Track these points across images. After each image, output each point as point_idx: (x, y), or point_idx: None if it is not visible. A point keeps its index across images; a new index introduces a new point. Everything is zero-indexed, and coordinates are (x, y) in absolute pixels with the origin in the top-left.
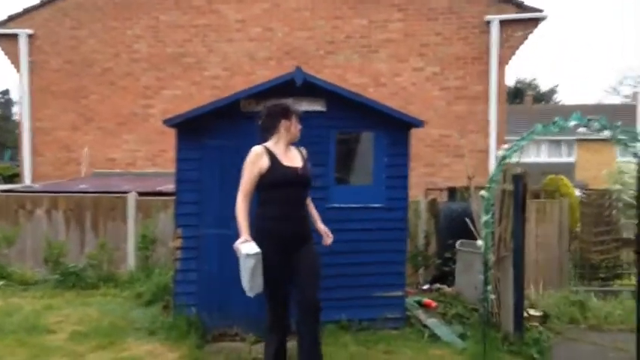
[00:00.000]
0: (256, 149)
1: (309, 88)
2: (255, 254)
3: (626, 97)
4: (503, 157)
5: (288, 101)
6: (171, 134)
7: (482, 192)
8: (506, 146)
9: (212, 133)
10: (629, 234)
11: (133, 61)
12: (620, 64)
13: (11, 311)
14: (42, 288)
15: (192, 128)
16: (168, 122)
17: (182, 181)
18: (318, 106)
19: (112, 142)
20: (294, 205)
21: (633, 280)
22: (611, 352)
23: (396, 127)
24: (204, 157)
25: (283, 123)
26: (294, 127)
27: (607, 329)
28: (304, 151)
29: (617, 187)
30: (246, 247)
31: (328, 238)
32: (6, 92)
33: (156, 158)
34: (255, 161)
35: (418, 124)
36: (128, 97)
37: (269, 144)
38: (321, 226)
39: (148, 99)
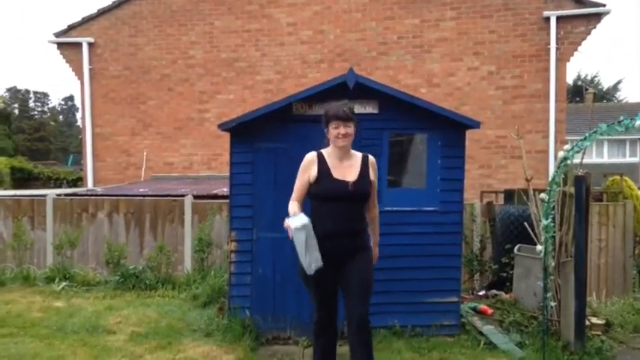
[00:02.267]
0: (308, 156)
1: (362, 89)
2: (304, 226)
3: None
4: (565, 158)
5: (331, 105)
6: (225, 138)
7: (542, 195)
8: (567, 147)
9: (264, 137)
10: None
11: (189, 67)
12: None
13: (73, 312)
14: (103, 289)
15: (245, 132)
16: (223, 126)
17: (236, 184)
18: (370, 108)
19: (170, 147)
20: (343, 220)
21: None
22: None
23: (450, 128)
24: (256, 160)
25: (327, 129)
26: (333, 132)
27: None
28: (372, 160)
29: None
30: (295, 220)
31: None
32: (70, 99)
33: (211, 162)
34: (306, 168)
35: (473, 124)
36: (184, 102)
37: (325, 151)
38: (375, 250)
39: (204, 104)
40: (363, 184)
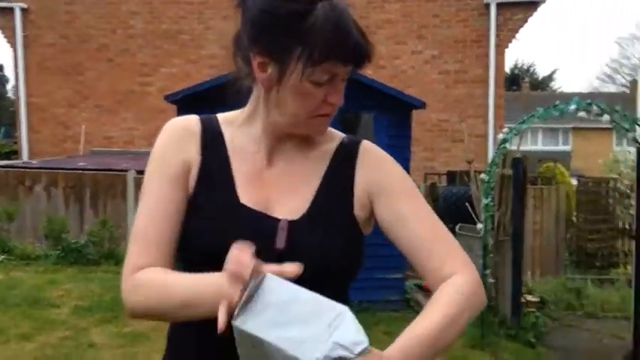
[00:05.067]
0: (177, 126)
1: None
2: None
3: (622, 85)
4: (504, 141)
5: (340, 23)
6: (169, 113)
7: (483, 175)
8: (506, 130)
9: (211, 111)
10: (624, 223)
11: (129, 37)
12: (616, 52)
13: (14, 285)
14: (43, 263)
15: (191, 106)
16: (170, 98)
17: None
18: None
19: (109, 120)
20: None
21: (629, 269)
22: (607, 339)
23: (397, 108)
24: None
25: (298, 73)
26: (312, 90)
27: (603, 316)
28: (372, 154)
29: (614, 176)
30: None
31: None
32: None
33: (153, 137)
34: (169, 162)
35: (419, 105)
36: (125, 74)
37: (232, 119)
38: None
39: (145, 76)
40: (327, 231)
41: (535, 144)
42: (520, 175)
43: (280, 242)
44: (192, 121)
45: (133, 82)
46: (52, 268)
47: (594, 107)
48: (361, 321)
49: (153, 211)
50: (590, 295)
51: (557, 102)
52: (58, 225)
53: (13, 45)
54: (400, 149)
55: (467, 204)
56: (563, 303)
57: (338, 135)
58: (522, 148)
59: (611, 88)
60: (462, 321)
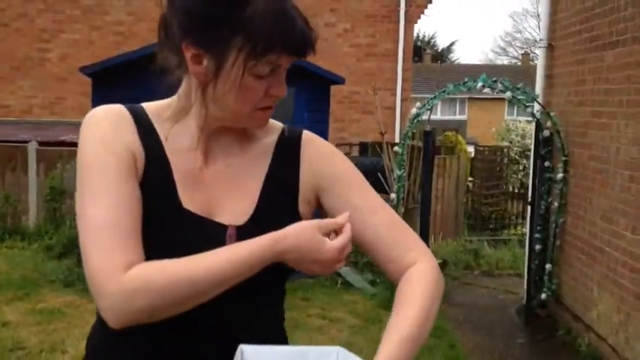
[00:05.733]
0: (109, 116)
1: None
2: None
3: (514, 57)
4: (417, 115)
5: (283, 14)
6: (71, 81)
7: (396, 148)
8: (418, 104)
9: (126, 84)
10: (514, 187)
11: (27, 1)
12: (510, 26)
13: None
14: None
15: (106, 78)
16: (84, 70)
17: None
18: None
19: (5, 88)
20: (212, 342)
21: (519, 230)
22: (502, 295)
23: (317, 84)
24: None
25: (235, 66)
26: (253, 83)
27: (498, 274)
28: (318, 147)
29: (506, 144)
30: None
31: None
32: None
33: (54, 106)
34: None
35: (339, 81)
36: (22, 39)
37: (159, 111)
38: None
39: (45, 42)
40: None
41: (435, 114)
42: (430, 147)
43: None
44: (122, 109)
45: (31, 48)
46: None
47: (499, 84)
48: None
49: (119, 205)
50: (486, 255)
51: (466, 79)
52: None
53: None
54: (319, 123)
55: (379, 174)
56: (462, 263)
57: (276, 126)
58: (423, 117)
59: (505, 61)
60: (435, 310)
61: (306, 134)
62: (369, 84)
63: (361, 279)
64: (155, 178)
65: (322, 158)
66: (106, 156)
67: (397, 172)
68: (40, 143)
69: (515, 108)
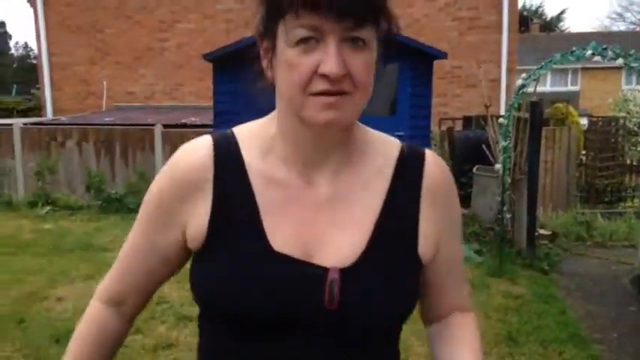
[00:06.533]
0: (180, 162)
1: None
2: None
3: (632, 23)
4: (523, 86)
5: None
6: (187, 68)
7: (501, 119)
8: (524, 75)
9: (245, 67)
10: (632, 160)
11: None
12: None
13: (64, 233)
14: (87, 213)
15: (226, 63)
16: (207, 57)
17: (219, 113)
18: None
19: (130, 76)
20: None
21: (636, 203)
22: (614, 265)
23: (419, 59)
24: (238, 90)
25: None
26: (295, 58)
27: (611, 246)
28: (440, 177)
29: (623, 114)
30: None
31: None
32: (2, 25)
33: (173, 92)
34: (166, 207)
35: (441, 56)
36: (143, 31)
37: (252, 135)
38: None
39: (163, 33)
40: (389, 282)
41: (544, 85)
42: (537, 118)
43: (330, 300)
44: (203, 152)
45: (151, 39)
46: (95, 217)
47: (609, 52)
48: None
49: (135, 248)
50: (599, 227)
51: (574, 48)
52: (97, 177)
53: (33, 4)
54: (423, 98)
55: (483, 146)
56: (573, 235)
57: (392, 143)
58: (530, 89)
59: (622, 27)
60: (480, 354)
61: (430, 156)
62: (472, 58)
63: (467, 248)
64: (238, 220)
65: (445, 196)
66: (153, 206)
67: (503, 143)
68: (165, 126)
69: (634, 77)
